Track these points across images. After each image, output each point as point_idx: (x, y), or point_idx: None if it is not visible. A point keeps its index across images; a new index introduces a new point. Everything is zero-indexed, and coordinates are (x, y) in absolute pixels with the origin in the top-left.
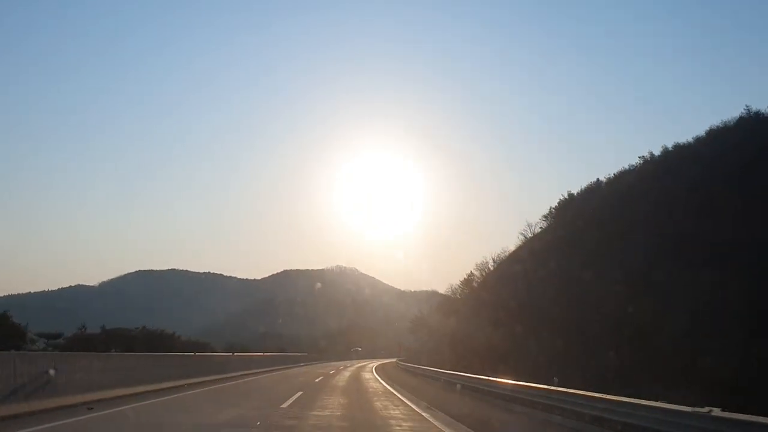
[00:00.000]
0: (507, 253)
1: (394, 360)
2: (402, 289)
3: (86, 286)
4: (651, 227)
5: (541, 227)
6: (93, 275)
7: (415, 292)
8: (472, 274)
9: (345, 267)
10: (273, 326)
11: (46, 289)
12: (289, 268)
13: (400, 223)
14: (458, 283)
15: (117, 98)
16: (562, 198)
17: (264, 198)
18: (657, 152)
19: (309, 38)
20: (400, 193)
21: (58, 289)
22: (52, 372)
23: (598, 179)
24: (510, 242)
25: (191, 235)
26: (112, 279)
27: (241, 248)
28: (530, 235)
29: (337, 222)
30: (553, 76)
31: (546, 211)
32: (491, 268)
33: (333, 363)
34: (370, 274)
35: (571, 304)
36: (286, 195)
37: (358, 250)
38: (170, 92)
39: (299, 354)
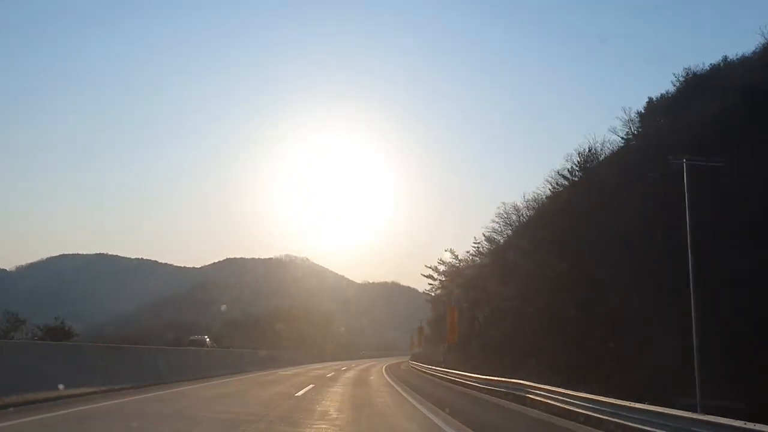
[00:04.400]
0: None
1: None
2: (359, 281)
3: None
4: None
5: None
6: (8, 258)
7: (373, 283)
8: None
9: (295, 256)
10: (200, 315)
11: None
12: (233, 256)
13: (358, 215)
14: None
15: (46, 74)
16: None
17: (208, 182)
18: None
19: (254, 17)
20: (358, 183)
21: None
22: None
23: None
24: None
25: (123, 219)
26: (31, 263)
27: (180, 234)
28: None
29: (287, 211)
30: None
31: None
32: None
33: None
34: (323, 265)
35: None
36: (232, 180)
37: (310, 241)
38: (105, 68)
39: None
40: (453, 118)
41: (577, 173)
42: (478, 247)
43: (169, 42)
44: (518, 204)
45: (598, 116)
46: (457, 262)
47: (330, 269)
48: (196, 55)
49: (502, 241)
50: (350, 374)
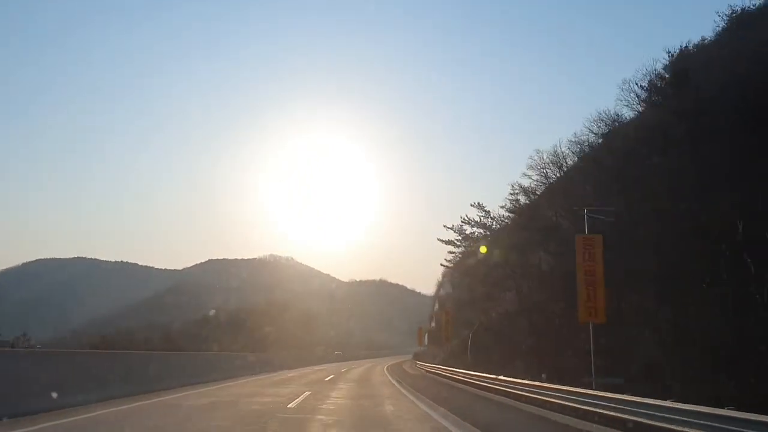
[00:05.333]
0: None
1: None
2: (345, 280)
3: None
4: None
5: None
6: None
7: (360, 281)
8: None
9: (280, 256)
10: (175, 317)
11: None
12: (215, 257)
13: (344, 213)
14: None
15: (23, 76)
16: None
17: (190, 183)
18: None
19: (233, 13)
20: (343, 182)
21: None
22: None
23: None
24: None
25: (103, 221)
26: (8, 268)
27: (162, 236)
28: None
29: (272, 212)
30: None
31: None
32: None
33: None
34: (308, 264)
35: None
36: (215, 181)
37: (296, 241)
38: (85, 70)
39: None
40: (440, 106)
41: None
42: (515, 200)
43: (150, 44)
44: (560, 150)
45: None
46: (488, 219)
47: (316, 268)
48: (180, 57)
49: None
50: (337, 400)
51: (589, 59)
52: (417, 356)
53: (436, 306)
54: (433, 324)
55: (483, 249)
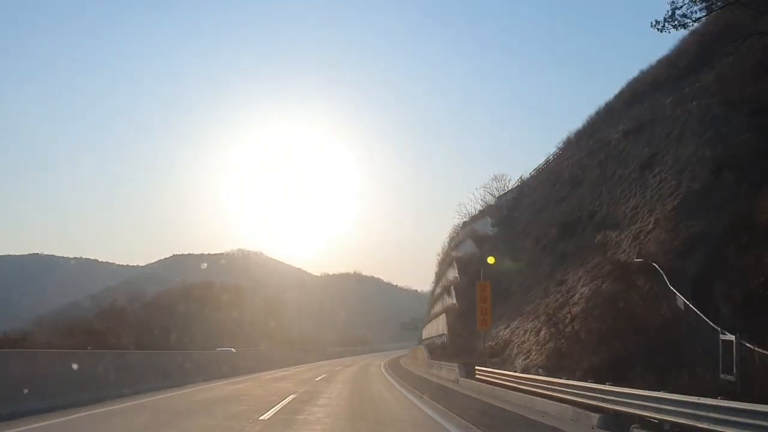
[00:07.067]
0: None
1: None
2: (317, 274)
3: None
4: None
5: None
6: None
7: (333, 275)
8: None
9: (248, 251)
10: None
11: None
12: (180, 253)
13: (317, 206)
14: None
15: None
16: None
17: (153, 175)
18: None
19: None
20: (315, 174)
21: None
22: None
23: None
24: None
25: (59, 216)
26: None
27: (123, 231)
28: None
29: (240, 205)
30: None
31: None
32: None
33: None
34: (278, 259)
35: None
36: (180, 173)
37: (266, 236)
38: (37, 51)
39: None
40: (414, 95)
41: None
42: None
43: (110, 23)
44: None
45: None
46: None
47: (287, 263)
48: (141, 37)
49: None
50: None
51: None
52: (434, 353)
53: (454, 270)
54: (455, 301)
55: (491, 259)
